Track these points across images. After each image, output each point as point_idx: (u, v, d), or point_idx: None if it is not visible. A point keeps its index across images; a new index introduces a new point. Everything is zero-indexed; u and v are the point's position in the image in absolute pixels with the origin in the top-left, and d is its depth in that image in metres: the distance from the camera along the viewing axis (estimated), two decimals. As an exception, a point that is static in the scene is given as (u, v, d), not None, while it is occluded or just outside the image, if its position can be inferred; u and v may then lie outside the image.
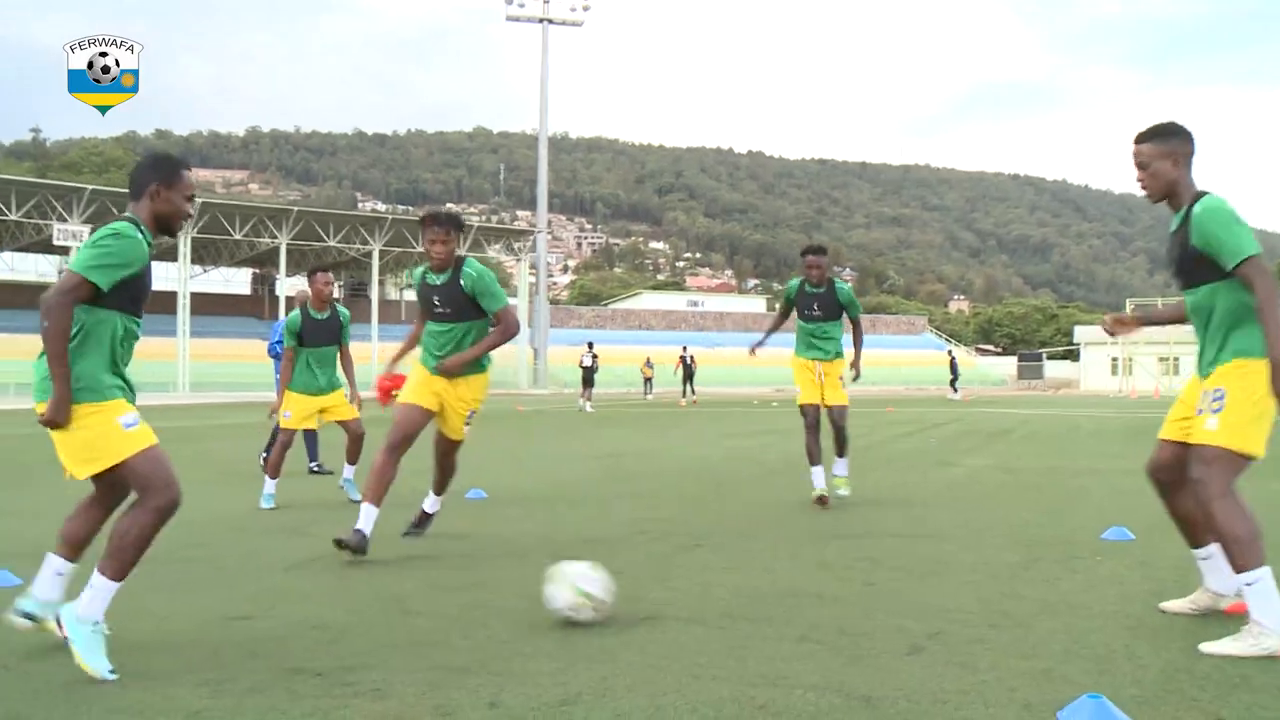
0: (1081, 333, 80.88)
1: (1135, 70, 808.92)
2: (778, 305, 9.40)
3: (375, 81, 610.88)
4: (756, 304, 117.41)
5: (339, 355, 9.20)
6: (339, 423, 9.17)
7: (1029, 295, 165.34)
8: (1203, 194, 4.36)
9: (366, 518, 6.29)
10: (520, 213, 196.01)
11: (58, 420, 3.91)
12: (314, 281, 9.00)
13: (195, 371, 53.41)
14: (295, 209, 62.93)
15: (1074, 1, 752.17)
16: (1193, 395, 4.53)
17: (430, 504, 7.37)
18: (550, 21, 67.22)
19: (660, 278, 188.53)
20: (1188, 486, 4.45)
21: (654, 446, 9.64)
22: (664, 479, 10.98)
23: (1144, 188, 4.56)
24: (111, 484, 4.24)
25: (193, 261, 61.72)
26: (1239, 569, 4.16)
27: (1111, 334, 4.87)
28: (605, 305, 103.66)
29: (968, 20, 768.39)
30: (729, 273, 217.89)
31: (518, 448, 15.90)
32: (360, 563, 6.20)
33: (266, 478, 8.81)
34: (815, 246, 9.00)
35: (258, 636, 4.43)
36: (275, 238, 59.88)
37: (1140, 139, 4.52)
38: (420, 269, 6.77)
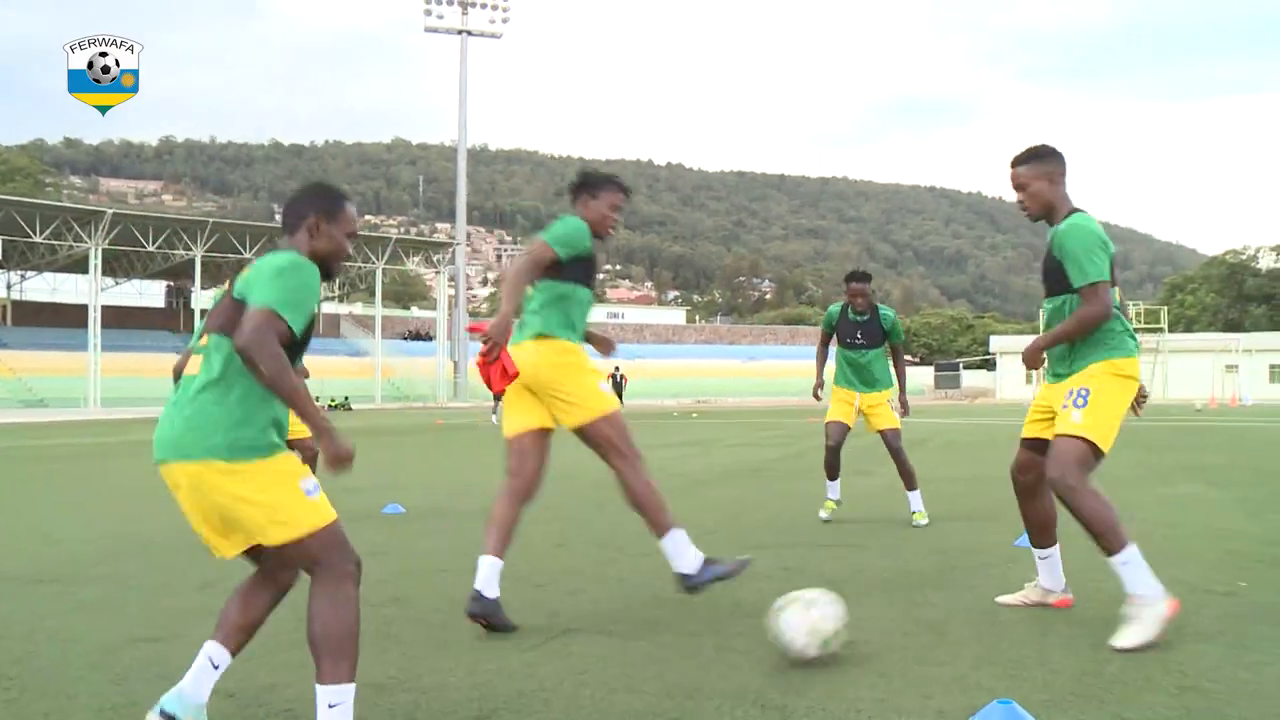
0: (997, 342, 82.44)
1: (1046, 85, 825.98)
2: (818, 331, 9.03)
3: (292, 91, 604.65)
4: (676, 315, 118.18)
5: None
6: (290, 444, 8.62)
7: (945, 306, 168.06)
8: (1075, 210, 4.64)
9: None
10: (439, 225, 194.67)
11: (343, 452, 3.28)
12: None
13: (107, 386, 52.28)
14: (211, 220, 61.98)
15: (986, 18, 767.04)
16: (1047, 399, 4.84)
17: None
18: (469, 33, 67.09)
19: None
20: (1043, 489, 4.89)
21: (573, 458, 9.58)
22: (583, 491, 10.94)
23: (1024, 208, 4.77)
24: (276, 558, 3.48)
25: (105, 274, 60.46)
26: (1110, 553, 4.48)
27: (1033, 368, 5.02)
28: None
29: (884, 35, 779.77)
30: (649, 284, 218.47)
31: (436, 461, 15.77)
32: (274, 580, 6.11)
33: None
34: (859, 273, 8.67)
35: (167, 658, 4.33)
36: (190, 250, 58.91)
37: (1016, 162, 4.74)
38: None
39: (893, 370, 8.79)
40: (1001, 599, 5.21)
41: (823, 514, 8.65)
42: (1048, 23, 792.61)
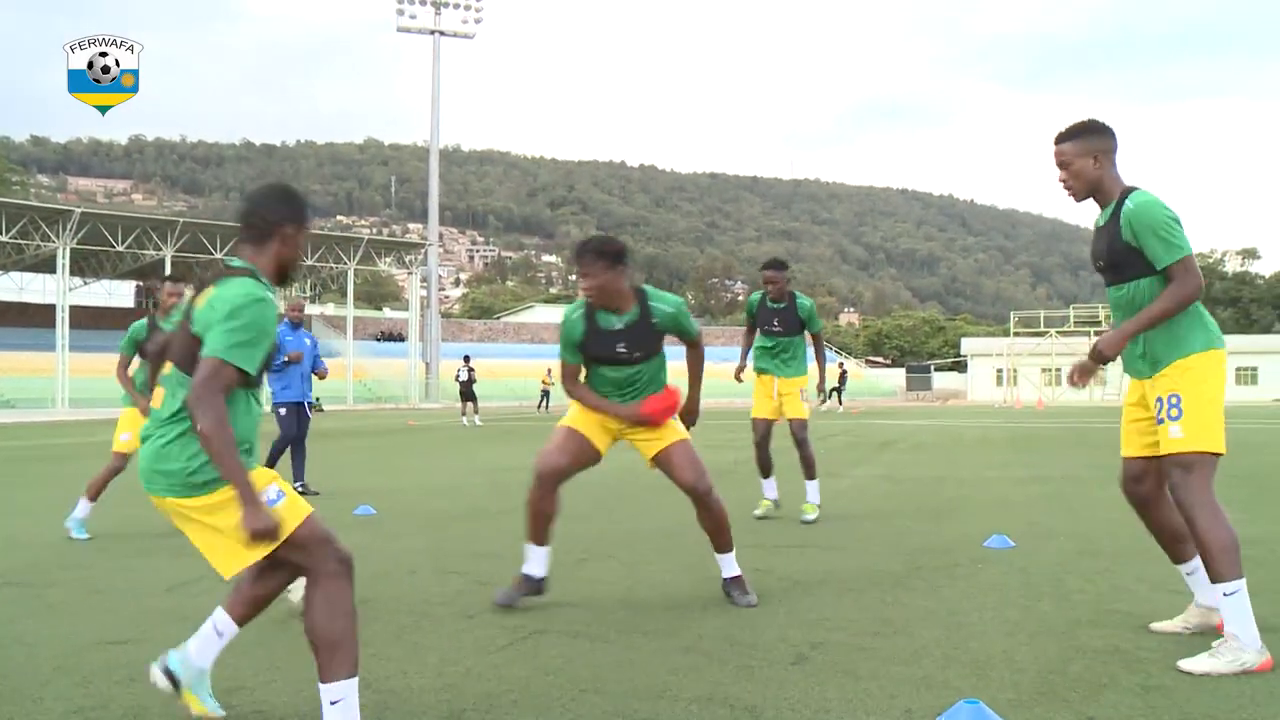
0: (968, 344, 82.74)
1: (1014, 88, 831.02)
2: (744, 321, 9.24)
3: (264, 91, 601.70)
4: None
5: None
6: None
7: (917, 308, 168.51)
8: (1132, 189, 4.30)
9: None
10: (411, 225, 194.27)
11: (263, 528, 3.13)
12: (163, 291, 8.44)
13: (75, 387, 51.80)
14: (181, 220, 61.50)
15: (958, 22, 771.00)
16: (1136, 395, 4.47)
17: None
18: (442, 33, 66.94)
19: (553, 291, 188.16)
20: (1161, 498, 4.46)
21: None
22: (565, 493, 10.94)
23: (1067, 188, 4.44)
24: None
25: (73, 274, 59.96)
26: (1215, 578, 4.09)
27: (1079, 386, 4.56)
28: (498, 318, 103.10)
29: (856, 38, 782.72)
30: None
31: (406, 463, 15.73)
32: (243, 582, 6.09)
33: (84, 500, 8.00)
34: (774, 261, 8.81)
35: (135, 661, 4.30)
36: (160, 250, 58.45)
37: (1060, 139, 4.43)
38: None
39: (813, 360, 8.99)
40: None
41: (757, 511, 8.80)
42: (1018, 27, 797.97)
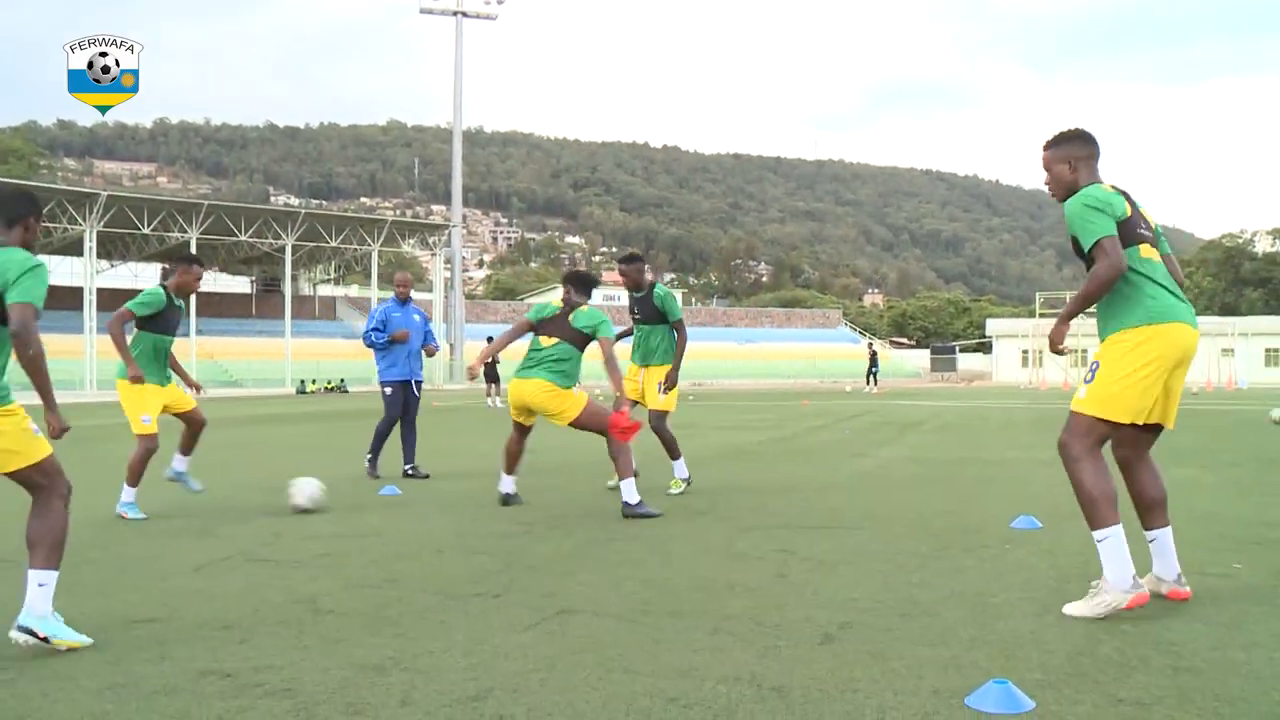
0: (993, 325, 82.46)
1: (1040, 68, 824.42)
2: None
3: (287, 73, 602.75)
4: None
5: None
6: (179, 415, 8.38)
7: (942, 289, 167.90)
8: (1088, 186, 4.70)
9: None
10: (435, 207, 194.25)
11: (66, 430, 4.48)
12: (188, 272, 8.27)
13: (103, 369, 52.13)
14: (205, 203, 61.83)
15: (984, 1, 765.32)
16: None
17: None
18: (464, 15, 66.84)
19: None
20: (1140, 465, 4.86)
21: (565, 440, 9.69)
22: (575, 472, 10.96)
23: (1050, 191, 4.88)
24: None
25: (100, 256, 60.36)
26: (1090, 525, 4.58)
27: (1059, 352, 4.99)
28: (521, 299, 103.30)
29: (881, 17, 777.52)
30: (646, 268, 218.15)
31: (431, 444, 15.76)
32: (269, 561, 6.12)
33: (126, 486, 8.03)
34: (627, 255, 9.52)
35: (164, 638, 4.34)
36: (185, 232, 58.76)
37: (1044, 146, 4.86)
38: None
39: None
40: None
41: (671, 490, 9.11)
42: (1046, 7, 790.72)
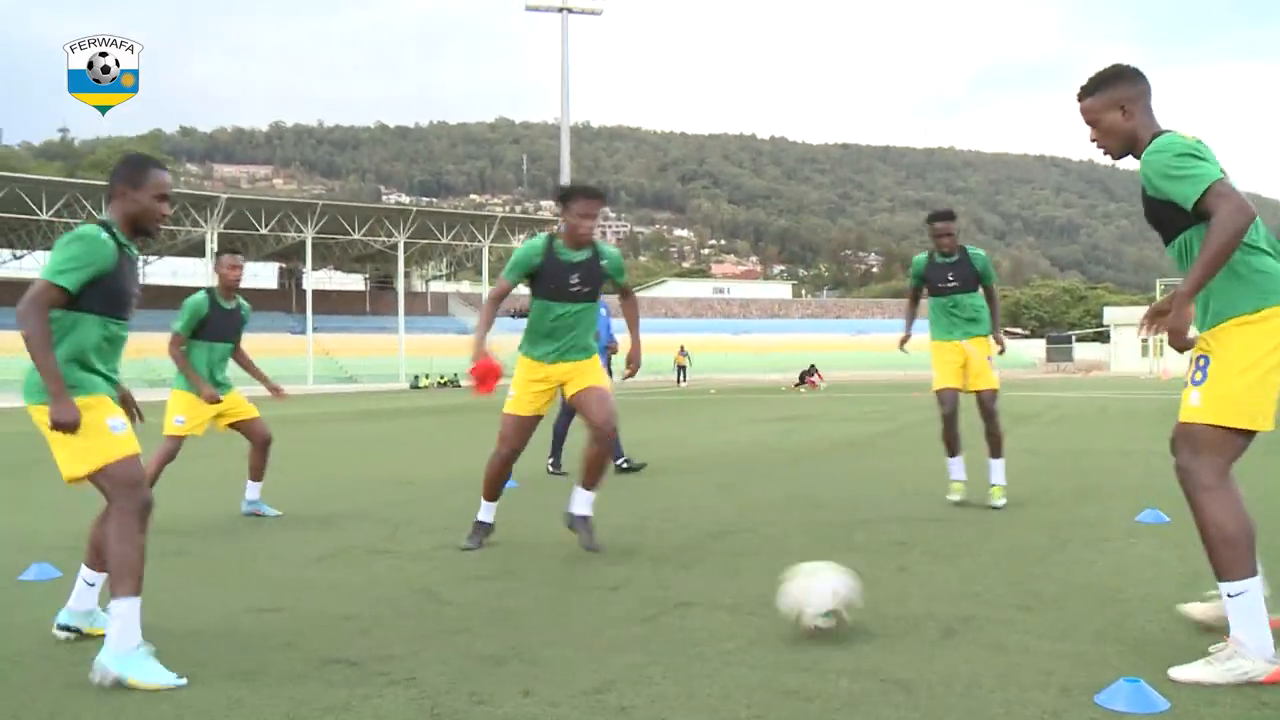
0: (1111, 314, 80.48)
1: (1154, 48, 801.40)
2: (908, 285, 8.35)
3: (396, 74, 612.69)
4: (783, 290, 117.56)
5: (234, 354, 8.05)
6: (237, 426, 7.92)
7: (1056, 277, 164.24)
8: (1158, 134, 3.81)
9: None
10: (544, 203, 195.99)
11: (64, 419, 3.81)
12: (220, 265, 7.88)
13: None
14: (320, 203, 63.25)
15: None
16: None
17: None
18: (570, 10, 67.12)
19: (685, 265, 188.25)
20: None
21: (681, 434, 9.70)
22: (691, 466, 10.96)
23: (1100, 147, 4.01)
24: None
25: (219, 256, 62.05)
26: (1219, 575, 3.60)
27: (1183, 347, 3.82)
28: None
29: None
30: (754, 259, 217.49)
31: (546, 436, 15.89)
32: (389, 553, 6.23)
33: (248, 483, 7.92)
34: (943, 212, 8.00)
35: (289, 628, 4.44)
36: (301, 232, 60.17)
37: (1081, 94, 3.99)
38: (541, 239, 6.37)
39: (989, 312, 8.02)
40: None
41: (952, 497, 7.95)
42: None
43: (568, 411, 10.32)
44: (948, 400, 7.85)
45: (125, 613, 3.82)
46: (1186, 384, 3.72)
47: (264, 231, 60.04)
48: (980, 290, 7.91)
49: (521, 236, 71.86)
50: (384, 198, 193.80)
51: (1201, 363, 3.68)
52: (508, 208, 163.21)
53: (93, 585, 4.37)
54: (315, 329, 62.75)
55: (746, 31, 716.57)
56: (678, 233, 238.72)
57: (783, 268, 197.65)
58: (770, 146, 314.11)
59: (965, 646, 3.94)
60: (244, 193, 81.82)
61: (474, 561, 5.95)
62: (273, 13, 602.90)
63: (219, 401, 7.62)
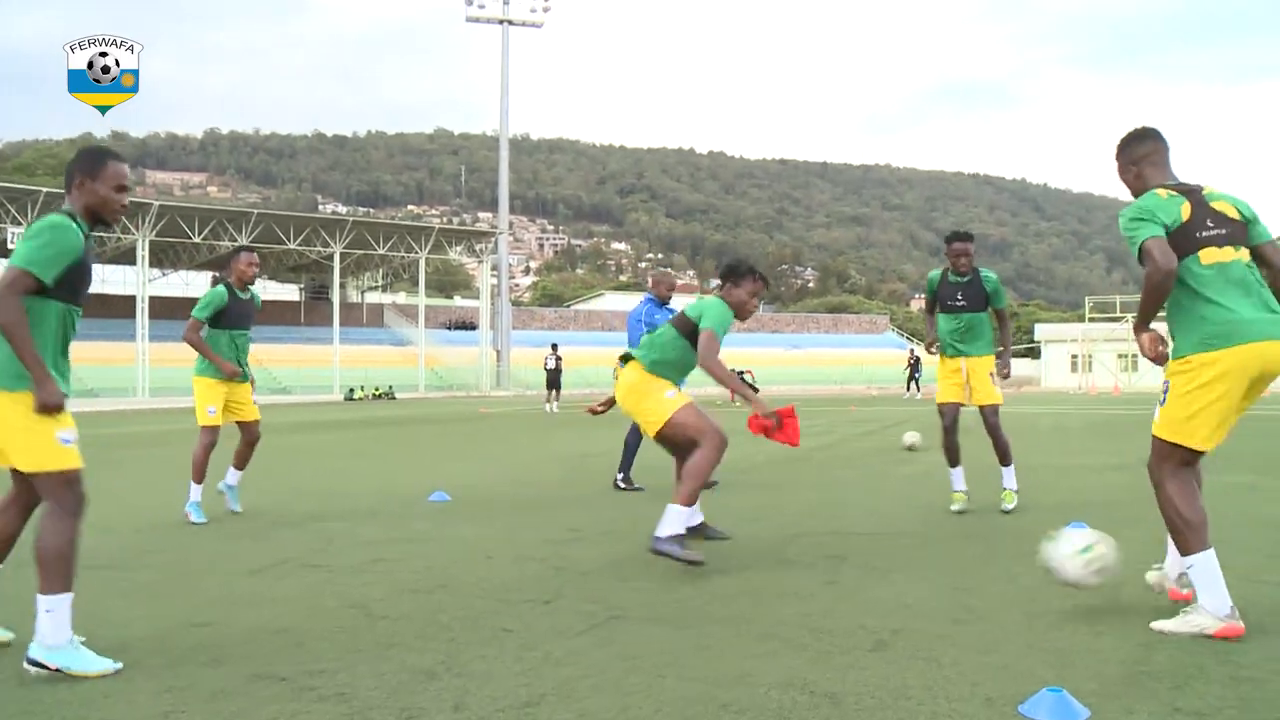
0: (1042, 330, 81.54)
1: (1088, 70, 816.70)
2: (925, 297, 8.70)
3: (334, 82, 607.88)
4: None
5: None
6: (239, 423, 8.42)
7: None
8: (1142, 192, 4.59)
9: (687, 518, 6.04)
10: (482, 214, 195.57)
11: (52, 400, 3.95)
12: (238, 262, 8.51)
13: (155, 376, 52.82)
14: (255, 211, 62.45)
15: (1029, 2, 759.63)
16: None
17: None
18: (510, 23, 67.17)
19: (623, 278, 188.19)
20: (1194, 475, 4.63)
21: (618, 446, 9.72)
22: (635, 479, 10.96)
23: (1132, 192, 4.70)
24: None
25: (152, 265, 61.12)
26: (1181, 551, 4.41)
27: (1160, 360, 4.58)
28: (568, 306, 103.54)
29: (925, 19, 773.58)
30: (691, 273, 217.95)
31: (481, 450, 15.85)
32: (323, 567, 6.17)
33: (193, 484, 8.13)
34: (961, 233, 8.28)
35: (220, 642, 4.39)
36: (235, 240, 59.36)
37: (1114, 156, 4.74)
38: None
39: (997, 335, 8.42)
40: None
41: (954, 506, 8.24)
42: (1090, 8, 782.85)
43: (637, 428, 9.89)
44: (947, 414, 8.32)
45: (58, 607, 3.92)
46: (1157, 402, 4.57)
47: (197, 240, 59.23)
48: (989, 311, 8.28)
49: (458, 248, 71.62)
50: (320, 207, 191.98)
51: (1164, 386, 4.49)
52: (445, 219, 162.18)
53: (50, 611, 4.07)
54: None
55: (687, 47, 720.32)
56: (615, 246, 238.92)
57: (719, 282, 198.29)
58: (709, 161, 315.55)
59: (896, 658, 3.99)
60: (177, 200, 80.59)
61: (407, 575, 5.92)
62: (210, 17, 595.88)
63: (239, 376, 8.28)
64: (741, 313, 6.57)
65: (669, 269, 11.98)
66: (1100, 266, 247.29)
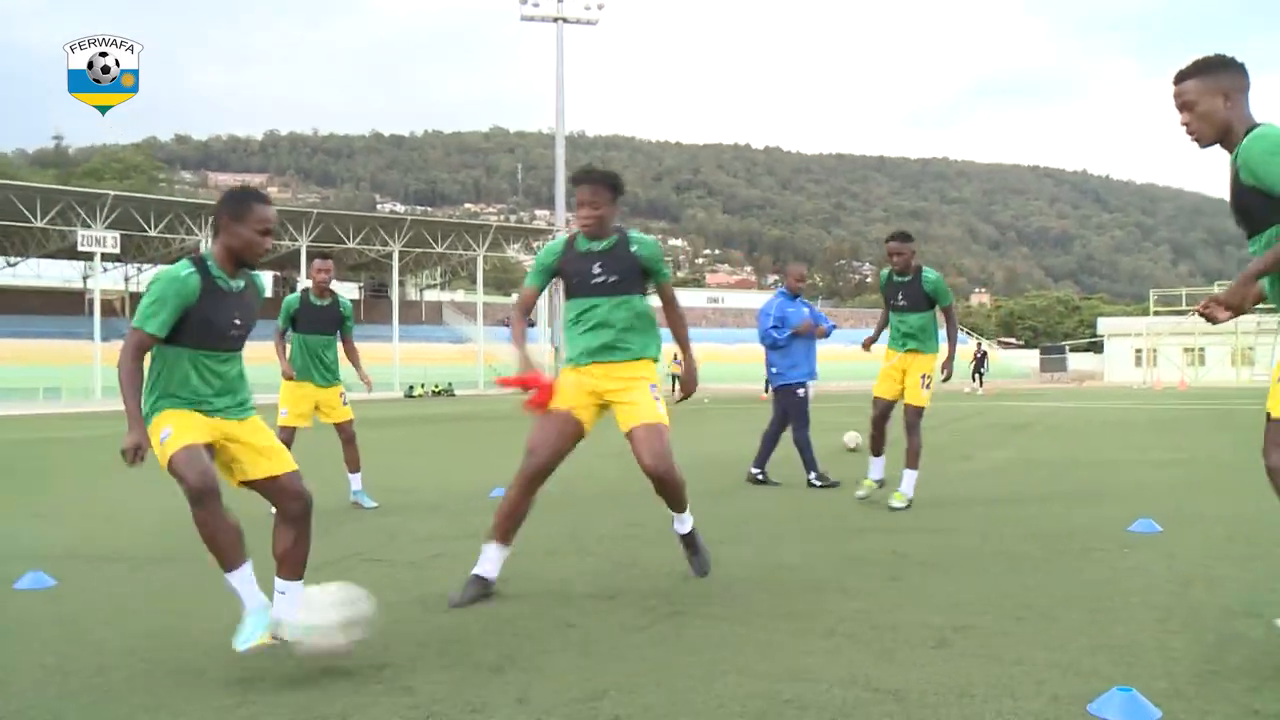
0: (1105, 324, 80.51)
1: (1148, 61, 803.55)
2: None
3: (391, 83, 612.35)
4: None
5: (341, 347, 8.91)
6: (335, 425, 8.95)
7: (1051, 287, 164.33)
8: (1256, 125, 3.78)
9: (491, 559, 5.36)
10: (539, 212, 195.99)
11: (125, 445, 4.01)
12: (311, 269, 8.87)
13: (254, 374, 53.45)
14: (315, 211, 63.24)
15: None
16: None
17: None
18: (565, 20, 67.25)
19: (680, 274, 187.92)
20: None
21: (676, 445, 9.69)
22: (688, 474, 10.94)
23: (1190, 132, 3.95)
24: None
25: (214, 265, 61.92)
26: None
27: (1214, 320, 3.83)
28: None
29: (980, 10, 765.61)
30: (748, 269, 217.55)
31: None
32: (385, 561, 6.24)
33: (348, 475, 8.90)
34: (898, 233, 8.45)
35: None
36: (295, 240, 60.10)
37: (1181, 77, 3.95)
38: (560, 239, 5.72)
39: (943, 336, 8.60)
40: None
41: (859, 492, 8.58)
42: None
43: (806, 421, 10.18)
44: (879, 406, 8.58)
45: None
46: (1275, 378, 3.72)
47: (259, 240, 59.99)
48: (929, 311, 8.47)
49: (516, 246, 71.97)
50: (379, 206, 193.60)
51: None
52: (502, 217, 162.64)
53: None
54: (310, 337, 62.63)
55: (741, 42, 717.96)
56: (672, 242, 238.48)
57: (776, 277, 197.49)
58: (765, 156, 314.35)
59: (958, 656, 3.96)
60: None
61: (468, 570, 5.94)
62: (268, 20, 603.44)
63: (291, 379, 8.67)
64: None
65: (800, 263, 11.85)
66: (1165, 259, 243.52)
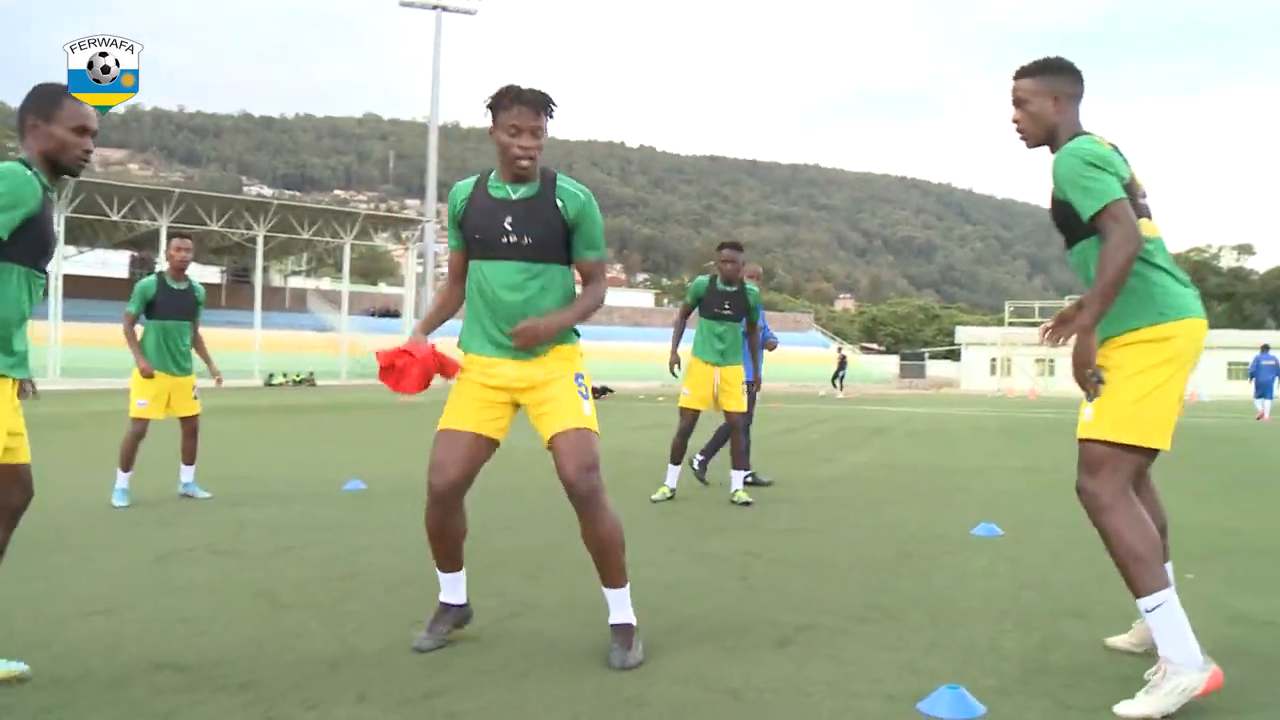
0: (963, 333, 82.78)
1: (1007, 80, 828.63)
2: (682, 303, 9.06)
3: (263, 62, 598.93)
4: (645, 298, 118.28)
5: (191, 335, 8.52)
6: (180, 418, 8.46)
7: (913, 295, 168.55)
8: (1077, 135, 3.74)
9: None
10: (409, 201, 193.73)
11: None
12: (169, 248, 8.38)
13: (68, 356, 51.73)
14: (177, 191, 61.24)
15: (958, 14, 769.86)
16: None
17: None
18: (444, 9, 66.59)
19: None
20: (1144, 487, 3.92)
21: (532, 441, 9.69)
22: (539, 472, 10.92)
23: (1019, 130, 3.90)
24: None
25: (67, 242, 59.82)
26: (1138, 593, 3.51)
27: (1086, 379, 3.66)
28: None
29: (859, 24, 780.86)
30: (618, 266, 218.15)
31: (397, 439, 15.73)
32: (230, 553, 6.09)
33: (118, 470, 8.05)
34: (731, 242, 8.63)
35: (119, 630, 4.30)
36: (155, 220, 58.23)
37: (1020, 74, 3.92)
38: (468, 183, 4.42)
39: (749, 347, 8.92)
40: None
41: (655, 496, 8.72)
42: (1019, 22, 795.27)
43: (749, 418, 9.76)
44: (688, 418, 8.76)
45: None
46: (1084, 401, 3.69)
47: (116, 218, 57.88)
48: (741, 322, 8.67)
49: (384, 235, 70.97)
50: (245, 189, 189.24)
51: (1095, 377, 3.62)
52: (372, 205, 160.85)
53: None
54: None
55: (619, 39, 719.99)
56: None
57: (646, 276, 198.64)
58: (638, 155, 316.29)
59: (800, 655, 4.02)
60: (95, 176, 78.79)
61: (316, 565, 5.85)
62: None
63: (151, 376, 8.10)
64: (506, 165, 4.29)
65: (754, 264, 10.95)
66: (1022, 272, 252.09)
